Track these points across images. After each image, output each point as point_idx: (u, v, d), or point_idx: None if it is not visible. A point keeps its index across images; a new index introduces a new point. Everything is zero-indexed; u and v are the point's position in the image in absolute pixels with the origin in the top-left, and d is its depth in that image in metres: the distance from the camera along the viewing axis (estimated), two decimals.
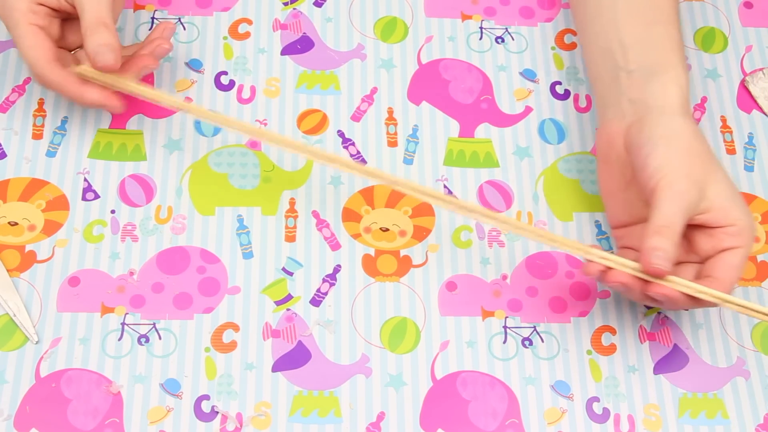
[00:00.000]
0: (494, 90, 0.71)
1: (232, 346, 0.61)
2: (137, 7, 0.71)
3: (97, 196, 0.65)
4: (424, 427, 0.59)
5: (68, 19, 0.62)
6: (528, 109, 0.70)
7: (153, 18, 0.71)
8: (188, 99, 0.67)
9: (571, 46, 0.73)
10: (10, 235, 0.63)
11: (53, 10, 0.61)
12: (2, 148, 0.65)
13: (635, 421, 0.60)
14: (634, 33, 0.62)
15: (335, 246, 0.64)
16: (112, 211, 0.64)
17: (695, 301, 0.56)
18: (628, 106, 0.60)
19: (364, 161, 0.67)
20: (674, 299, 0.56)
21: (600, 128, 0.63)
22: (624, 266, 0.56)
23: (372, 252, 0.64)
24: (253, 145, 0.67)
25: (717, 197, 0.57)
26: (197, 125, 0.67)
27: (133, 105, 0.68)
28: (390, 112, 0.69)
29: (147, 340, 0.61)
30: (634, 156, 0.58)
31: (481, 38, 0.73)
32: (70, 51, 0.64)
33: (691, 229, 0.58)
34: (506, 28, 0.73)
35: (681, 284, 0.56)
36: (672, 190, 0.56)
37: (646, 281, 0.56)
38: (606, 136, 0.61)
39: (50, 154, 0.66)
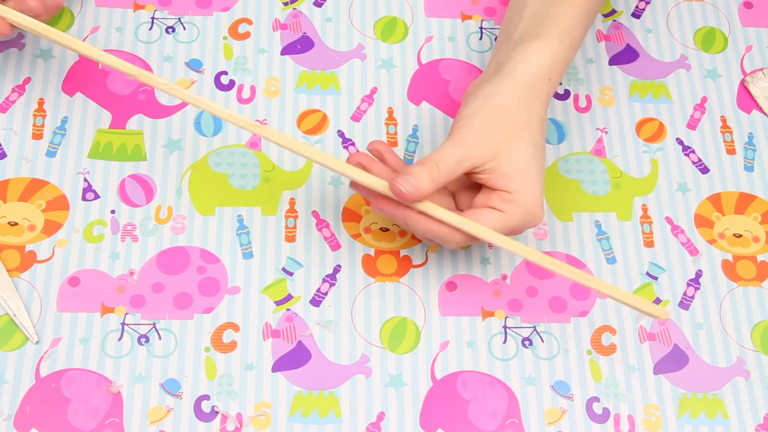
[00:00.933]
0: None
1: (232, 346, 0.61)
2: (137, 7, 0.72)
3: (97, 196, 0.65)
4: (424, 427, 0.60)
5: None
6: None
7: (153, 18, 0.72)
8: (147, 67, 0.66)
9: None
10: (10, 235, 0.63)
11: None
12: (2, 148, 0.66)
13: (635, 421, 0.61)
14: (534, 8, 0.63)
15: (335, 246, 0.65)
16: (112, 211, 0.65)
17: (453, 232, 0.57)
18: (491, 68, 0.62)
19: None
20: (415, 221, 0.57)
21: (469, 86, 0.64)
22: (377, 183, 0.57)
23: (372, 252, 0.65)
24: (253, 145, 0.68)
25: (506, 164, 0.57)
26: (197, 125, 0.68)
27: (134, 105, 0.68)
28: (390, 112, 0.70)
29: (147, 340, 0.61)
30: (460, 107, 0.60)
31: (481, 38, 0.73)
32: None
33: (472, 187, 0.59)
34: None
35: (433, 209, 0.56)
36: (461, 137, 0.57)
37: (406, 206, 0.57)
38: (466, 92, 0.63)
39: (50, 154, 0.66)
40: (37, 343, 0.60)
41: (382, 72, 0.71)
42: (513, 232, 0.58)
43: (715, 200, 0.69)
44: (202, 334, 0.62)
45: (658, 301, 0.65)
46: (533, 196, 0.57)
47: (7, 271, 0.62)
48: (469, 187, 0.60)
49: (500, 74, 0.60)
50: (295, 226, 0.65)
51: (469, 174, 0.58)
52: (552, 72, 0.60)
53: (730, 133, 0.71)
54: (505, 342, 0.63)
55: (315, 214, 0.66)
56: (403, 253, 0.65)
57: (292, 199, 0.66)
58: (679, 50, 0.74)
